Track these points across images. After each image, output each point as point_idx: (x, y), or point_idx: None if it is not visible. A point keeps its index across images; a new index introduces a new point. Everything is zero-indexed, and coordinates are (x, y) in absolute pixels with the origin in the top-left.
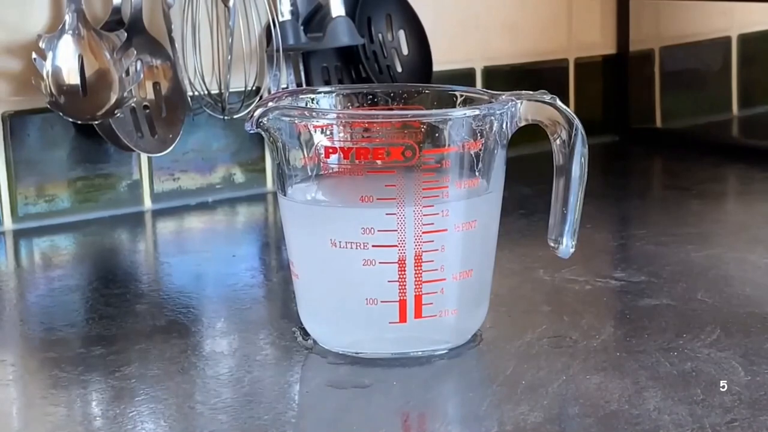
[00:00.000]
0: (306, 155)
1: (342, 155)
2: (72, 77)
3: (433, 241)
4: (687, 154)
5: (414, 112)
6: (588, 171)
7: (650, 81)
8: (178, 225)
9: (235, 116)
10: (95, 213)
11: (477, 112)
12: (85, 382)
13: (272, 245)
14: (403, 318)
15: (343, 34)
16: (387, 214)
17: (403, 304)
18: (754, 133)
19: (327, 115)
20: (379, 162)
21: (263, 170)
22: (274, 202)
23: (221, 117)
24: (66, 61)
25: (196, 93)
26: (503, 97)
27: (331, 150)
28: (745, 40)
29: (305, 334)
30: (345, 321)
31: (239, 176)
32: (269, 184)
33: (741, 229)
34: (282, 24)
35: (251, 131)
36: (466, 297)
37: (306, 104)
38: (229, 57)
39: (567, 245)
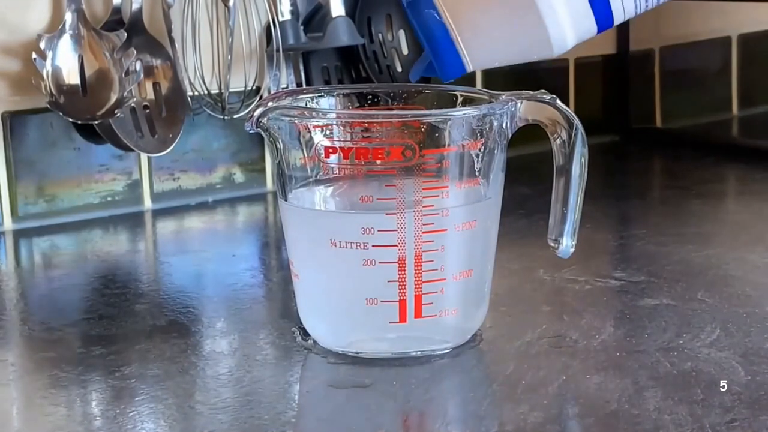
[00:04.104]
0: (306, 155)
1: (342, 155)
2: (72, 77)
3: (433, 241)
4: (687, 154)
5: (414, 112)
6: (588, 171)
7: (650, 81)
8: (178, 225)
9: (235, 116)
10: (95, 213)
11: (477, 112)
12: (84, 382)
13: (272, 245)
14: (403, 318)
15: (343, 34)
16: (387, 214)
17: (403, 304)
18: (754, 133)
19: (327, 115)
20: (379, 162)
21: (263, 170)
22: (274, 202)
23: (221, 117)
24: (66, 61)
25: (196, 93)
26: (503, 97)
27: (331, 150)
28: (745, 40)
29: (305, 334)
30: (345, 321)
31: (239, 176)
32: (269, 184)
33: (741, 229)
34: (282, 24)
35: (251, 131)
36: (466, 297)
37: (306, 104)
38: (229, 57)
39: (567, 245)
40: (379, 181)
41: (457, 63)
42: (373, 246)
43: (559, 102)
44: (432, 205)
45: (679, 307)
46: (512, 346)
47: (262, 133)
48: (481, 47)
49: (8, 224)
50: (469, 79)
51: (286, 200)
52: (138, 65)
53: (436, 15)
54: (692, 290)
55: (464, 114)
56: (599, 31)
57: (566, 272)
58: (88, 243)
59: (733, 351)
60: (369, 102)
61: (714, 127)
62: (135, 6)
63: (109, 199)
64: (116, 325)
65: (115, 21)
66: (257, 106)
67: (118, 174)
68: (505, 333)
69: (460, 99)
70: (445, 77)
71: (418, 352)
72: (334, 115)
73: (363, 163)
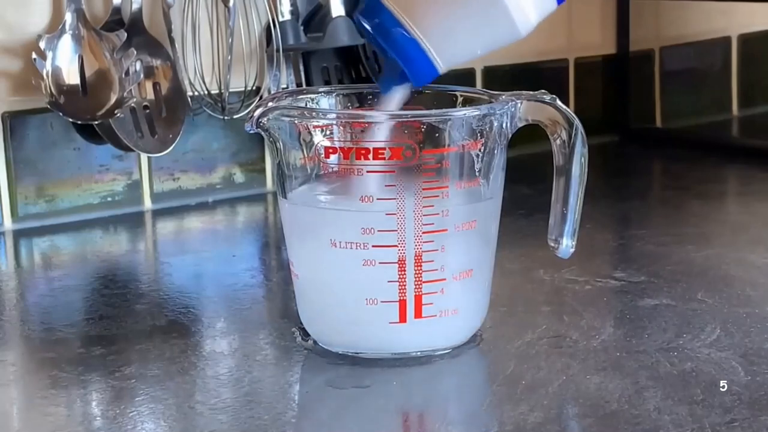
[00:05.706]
0: (306, 155)
1: (342, 155)
2: (72, 77)
3: (433, 241)
4: (687, 154)
5: (414, 112)
6: (588, 171)
7: (650, 81)
8: (178, 225)
9: (235, 116)
10: (95, 213)
11: (477, 112)
12: (85, 382)
13: (272, 245)
14: (403, 318)
15: (343, 34)
16: (387, 214)
17: (403, 304)
18: (754, 133)
19: (327, 115)
20: (379, 162)
21: (263, 170)
22: (274, 202)
23: (221, 117)
24: (66, 61)
25: (196, 93)
26: (503, 97)
27: (331, 150)
28: (745, 40)
29: (305, 334)
30: (345, 321)
31: (239, 176)
32: (269, 184)
33: (741, 229)
34: (282, 24)
35: (251, 131)
36: (466, 297)
37: (306, 104)
38: (229, 57)
39: (567, 245)
40: (379, 181)
41: (428, 68)
42: (373, 246)
43: (559, 102)
44: (432, 206)
45: (679, 307)
46: (512, 346)
47: (262, 133)
48: (451, 48)
49: (8, 224)
50: (469, 79)
51: (286, 200)
52: (138, 65)
53: (404, 32)
54: (692, 290)
55: (464, 114)
56: (559, 3)
57: (566, 272)
58: (88, 243)
59: (733, 351)
60: (369, 102)
61: (714, 127)
62: (135, 6)
63: (109, 199)
64: (116, 325)
65: (115, 21)
66: (257, 107)
67: (118, 174)
68: (505, 333)
69: (460, 99)
70: (418, 83)
71: (418, 352)
72: (334, 116)
73: (363, 163)
